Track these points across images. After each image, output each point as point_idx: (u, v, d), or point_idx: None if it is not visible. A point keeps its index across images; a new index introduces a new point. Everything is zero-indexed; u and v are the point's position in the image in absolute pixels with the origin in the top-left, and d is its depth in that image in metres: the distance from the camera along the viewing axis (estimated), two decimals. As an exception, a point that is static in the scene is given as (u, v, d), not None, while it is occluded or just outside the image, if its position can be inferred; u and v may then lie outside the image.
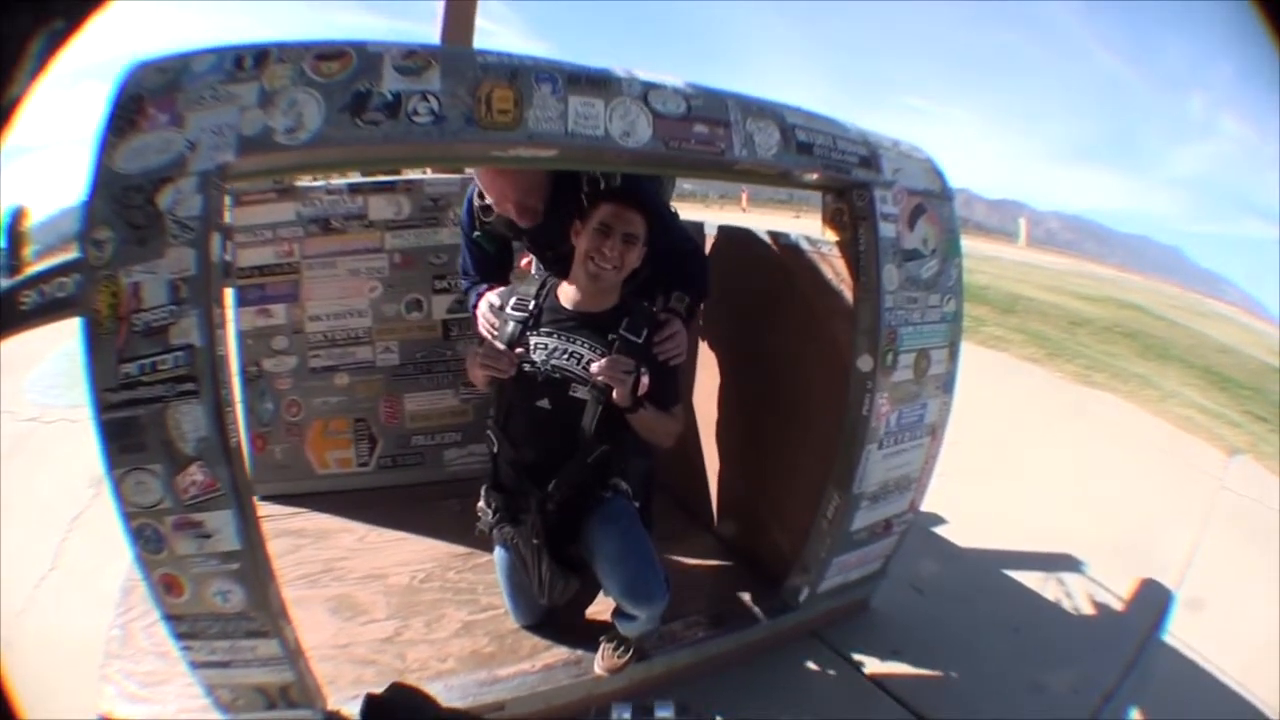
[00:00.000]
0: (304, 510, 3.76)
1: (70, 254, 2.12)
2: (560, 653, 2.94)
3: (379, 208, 3.84)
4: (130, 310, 1.82)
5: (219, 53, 1.86)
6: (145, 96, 1.81)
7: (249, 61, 1.86)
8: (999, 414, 7.19)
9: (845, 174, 2.67)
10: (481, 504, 2.84)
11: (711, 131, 2.36)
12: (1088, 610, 4.20)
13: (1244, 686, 3.66)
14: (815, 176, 2.69)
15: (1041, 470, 6.01)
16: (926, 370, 3.03)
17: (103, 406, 1.86)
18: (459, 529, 3.48)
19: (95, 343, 1.85)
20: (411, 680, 2.59)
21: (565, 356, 2.63)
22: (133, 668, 2.63)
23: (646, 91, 2.25)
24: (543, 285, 2.79)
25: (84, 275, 1.84)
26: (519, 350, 2.67)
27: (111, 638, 2.79)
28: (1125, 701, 3.53)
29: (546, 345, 2.66)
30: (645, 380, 2.59)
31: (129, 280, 1.81)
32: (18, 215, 7.82)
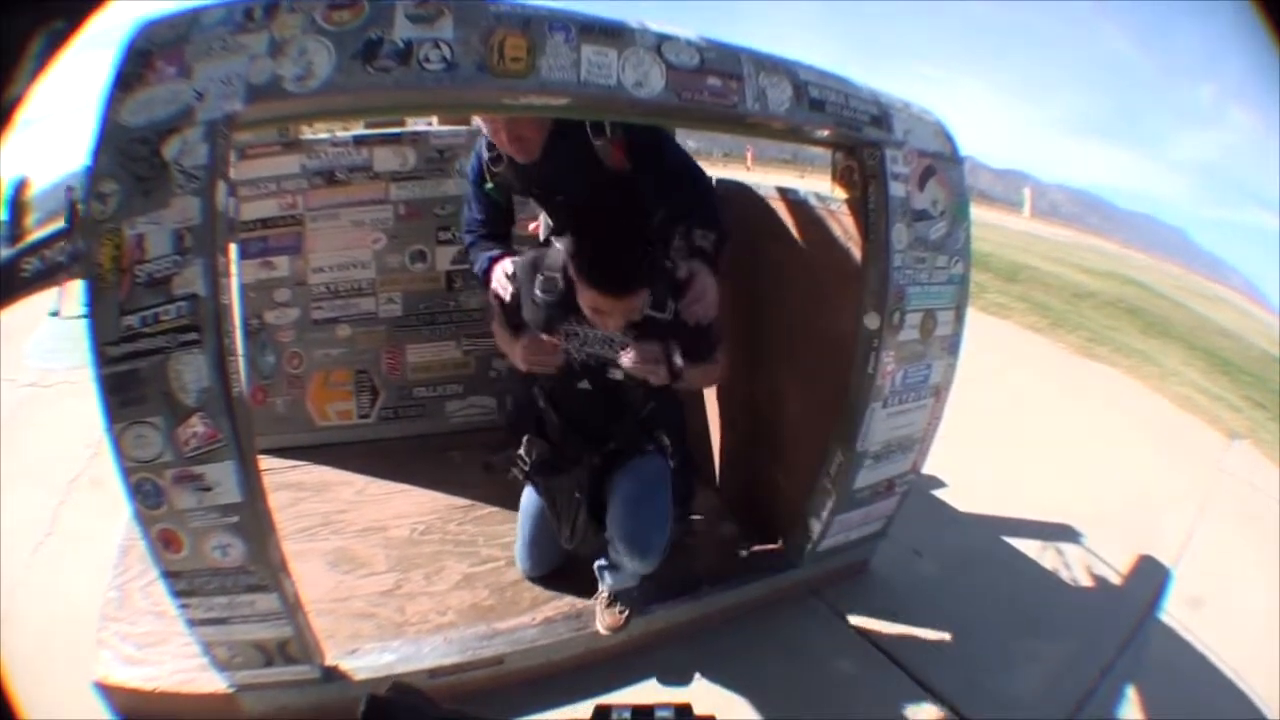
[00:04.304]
0: (304, 463, 3.76)
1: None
2: (561, 605, 2.96)
3: (384, 159, 3.83)
4: (133, 262, 1.83)
5: (229, 6, 1.85)
6: (154, 51, 1.81)
7: (259, 12, 1.86)
8: (1001, 381, 7.21)
9: (856, 131, 2.66)
10: (522, 451, 2.85)
11: (724, 84, 2.35)
12: (1085, 582, 4.24)
13: (1237, 673, 3.68)
14: (827, 133, 2.67)
15: (1042, 440, 6.03)
16: (933, 331, 3.02)
17: (104, 360, 1.88)
18: (460, 481, 3.57)
19: (97, 297, 1.86)
20: (411, 632, 2.80)
21: (598, 344, 2.64)
22: (129, 629, 2.64)
23: (660, 43, 2.24)
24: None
25: (86, 230, 1.85)
26: (556, 340, 2.69)
27: (108, 600, 2.79)
28: (1122, 677, 3.56)
29: (579, 334, 2.66)
30: (678, 360, 2.59)
31: (132, 232, 1.83)
32: (20, 186, 7.81)
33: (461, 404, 4.29)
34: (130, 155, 1.79)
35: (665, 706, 1.20)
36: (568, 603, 2.97)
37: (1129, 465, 5.82)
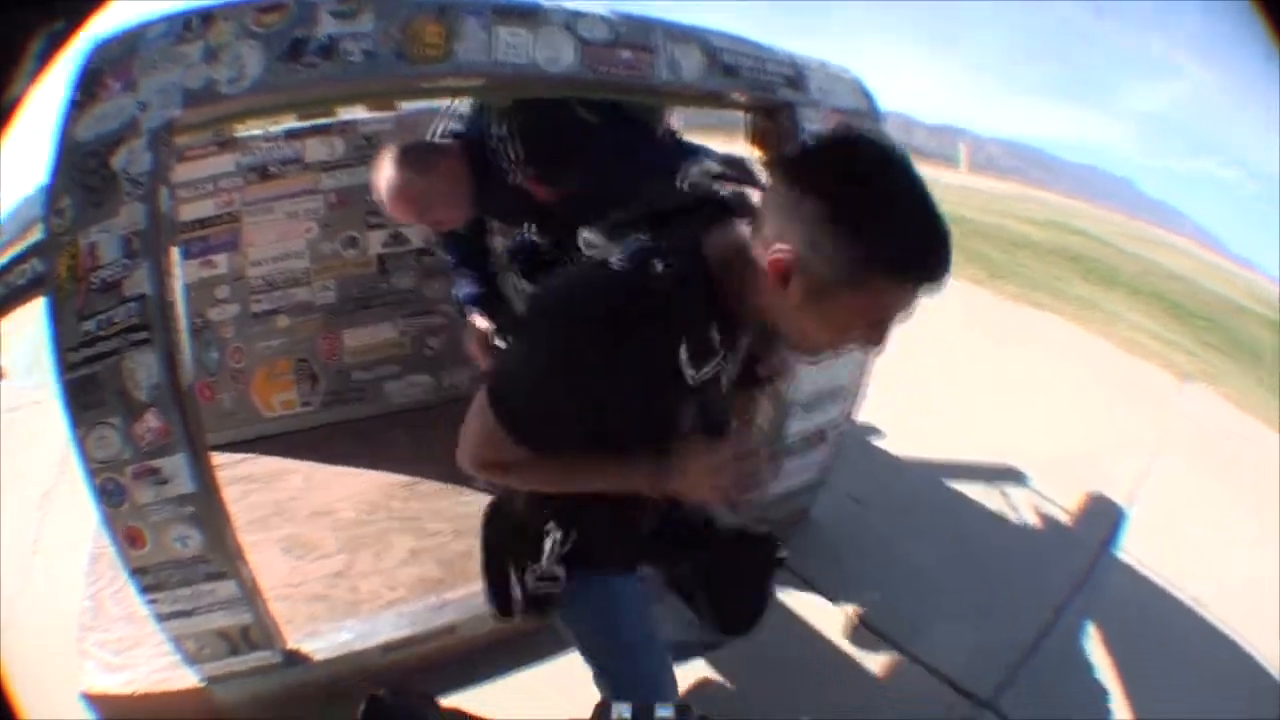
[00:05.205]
0: (253, 455, 3.86)
1: (31, 239, 2.25)
2: None
3: (314, 150, 3.91)
4: (88, 269, 1.96)
5: (169, 19, 1.96)
6: (104, 69, 1.92)
7: (196, 22, 1.97)
8: (941, 331, 6.71)
9: (772, 94, 2.80)
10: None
11: (636, 56, 2.50)
12: (1034, 523, 4.31)
13: (1197, 601, 3.77)
14: (742, 97, 2.81)
15: (984, 387, 6.04)
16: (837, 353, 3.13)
17: (66, 367, 2.01)
18: (400, 459, 3.72)
19: (58, 307, 1.98)
20: (364, 610, 2.96)
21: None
22: (106, 637, 2.75)
23: (572, 20, 2.39)
24: None
25: (46, 245, 1.97)
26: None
27: (84, 610, 2.89)
28: (1078, 614, 3.63)
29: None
30: None
31: (86, 241, 1.96)
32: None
33: (400, 384, 4.40)
34: (83, 169, 1.91)
35: (665, 706, 1.31)
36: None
37: (1076, 409, 5.84)
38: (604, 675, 1.96)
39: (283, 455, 3.89)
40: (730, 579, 2.06)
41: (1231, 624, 3.69)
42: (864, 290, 1.33)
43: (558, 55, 2.38)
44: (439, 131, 2.88)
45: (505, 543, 1.89)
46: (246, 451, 3.90)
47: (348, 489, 3.65)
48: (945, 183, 22.16)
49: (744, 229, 1.44)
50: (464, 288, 3.04)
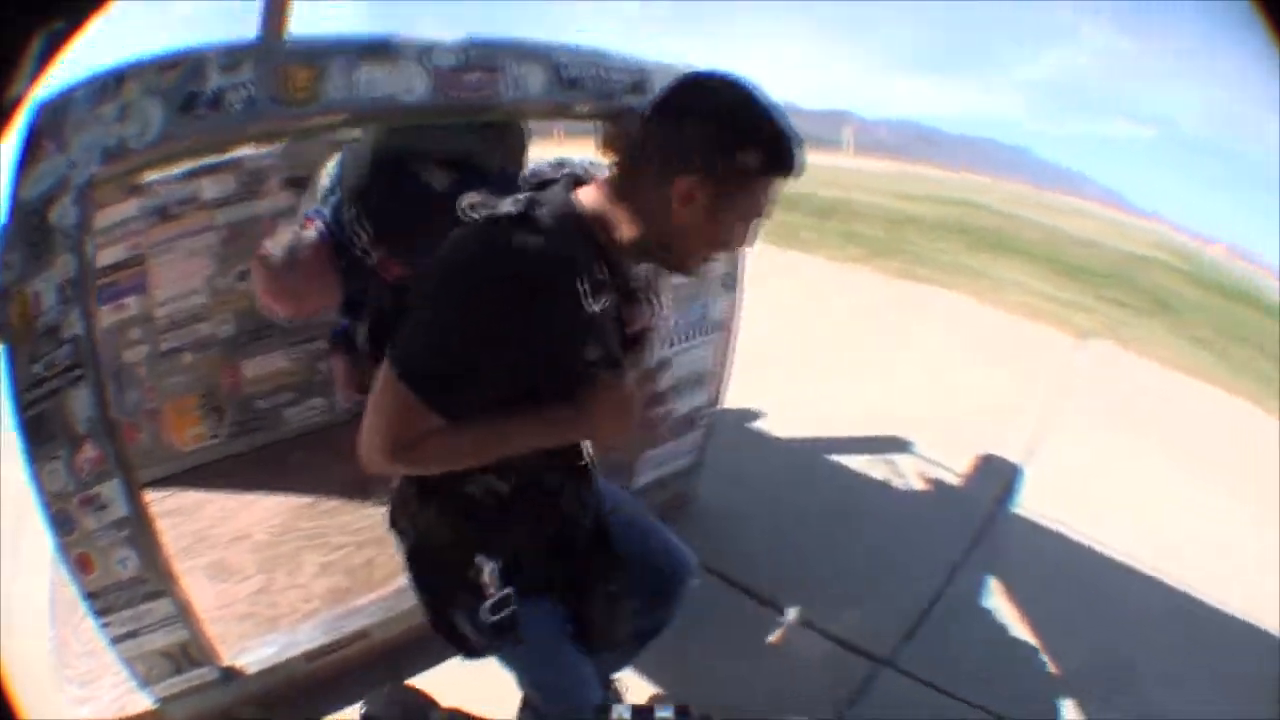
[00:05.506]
0: (174, 490, 4.09)
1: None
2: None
3: (208, 188, 4.10)
4: (34, 316, 2.17)
5: (91, 81, 2.17)
6: (43, 131, 2.12)
7: (112, 83, 2.18)
8: (817, 313, 7.44)
9: (614, 101, 3.08)
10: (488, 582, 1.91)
11: (482, 78, 2.75)
12: (923, 488, 4.56)
13: (1101, 543, 4.05)
14: (586, 107, 3.07)
15: (864, 362, 6.27)
16: (706, 271, 3.40)
17: (23, 407, 2.23)
18: (304, 481, 4.06)
19: (14, 353, 2.20)
20: (285, 623, 3.26)
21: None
22: (71, 672, 2.96)
23: (425, 51, 2.65)
24: None
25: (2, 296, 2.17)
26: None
27: (49, 649, 3.11)
28: (977, 570, 3.85)
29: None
30: None
31: (32, 291, 2.17)
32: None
33: (297, 409, 4.69)
34: (27, 225, 2.13)
35: (665, 706, 1.52)
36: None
37: (963, 376, 6.10)
38: (533, 686, 2.20)
39: (199, 487, 4.13)
40: (596, 602, 2.07)
41: (1133, 556, 3.99)
42: (751, 190, 1.67)
43: (412, 86, 2.63)
44: (301, 217, 2.88)
45: (440, 585, 1.96)
46: (168, 487, 4.11)
47: (260, 513, 3.94)
48: (829, 166, 22.53)
49: (606, 186, 1.74)
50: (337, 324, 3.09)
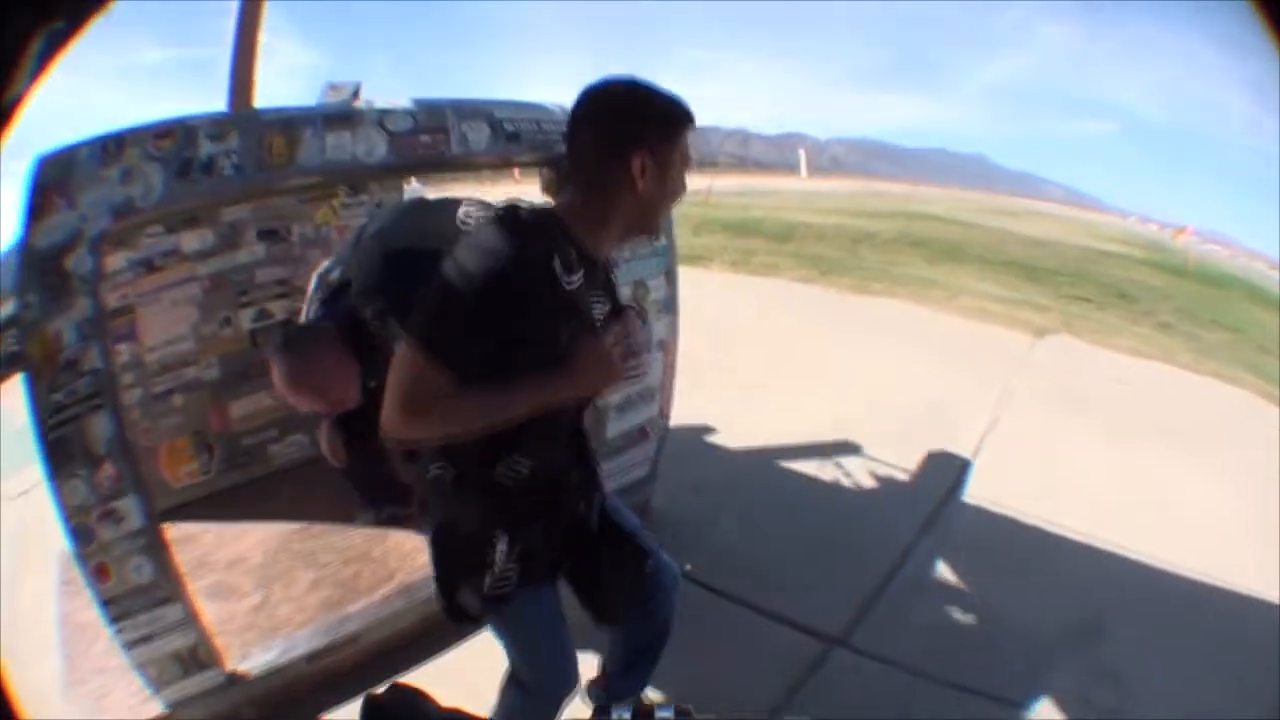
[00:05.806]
0: (172, 522, 4.20)
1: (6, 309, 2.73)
2: (392, 585, 3.75)
3: (189, 242, 4.36)
4: (55, 351, 2.43)
5: (91, 143, 2.45)
6: (49, 186, 2.37)
7: (112, 146, 2.47)
8: (771, 332, 7.59)
9: (549, 150, 3.37)
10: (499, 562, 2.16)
11: (433, 138, 3.09)
12: (872, 486, 4.72)
13: (1054, 524, 4.22)
14: (525, 158, 3.37)
15: (814, 373, 6.45)
16: (646, 296, 3.74)
17: (45, 430, 2.45)
18: (291, 510, 4.37)
19: (35, 384, 2.43)
20: (283, 633, 3.46)
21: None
22: (84, 690, 3.17)
23: (382, 117, 2.99)
24: None
25: (21, 331, 2.42)
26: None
27: (62, 670, 3.30)
28: (928, 554, 4.01)
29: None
30: None
31: (52, 329, 2.42)
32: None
33: (281, 445, 4.99)
34: (42, 271, 2.40)
35: (665, 706, 1.65)
36: (398, 582, 3.76)
37: (914, 381, 6.28)
38: (520, 655, 2.38)
39: (196, 519, 4.40)
40: (609, 575, 2.37)
41: (1082, 531, 4.18)
42: (678, 143, 1.99)
43: (372, 149, 2.95)
44: (309, 314, 3.01)
45: (455, 558, 2.18)
46: (164, 520, 4.24)
47: (253, 540, 4.23)
48: (787, 191, 22.46)
49: (572, 194, 2.04)
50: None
